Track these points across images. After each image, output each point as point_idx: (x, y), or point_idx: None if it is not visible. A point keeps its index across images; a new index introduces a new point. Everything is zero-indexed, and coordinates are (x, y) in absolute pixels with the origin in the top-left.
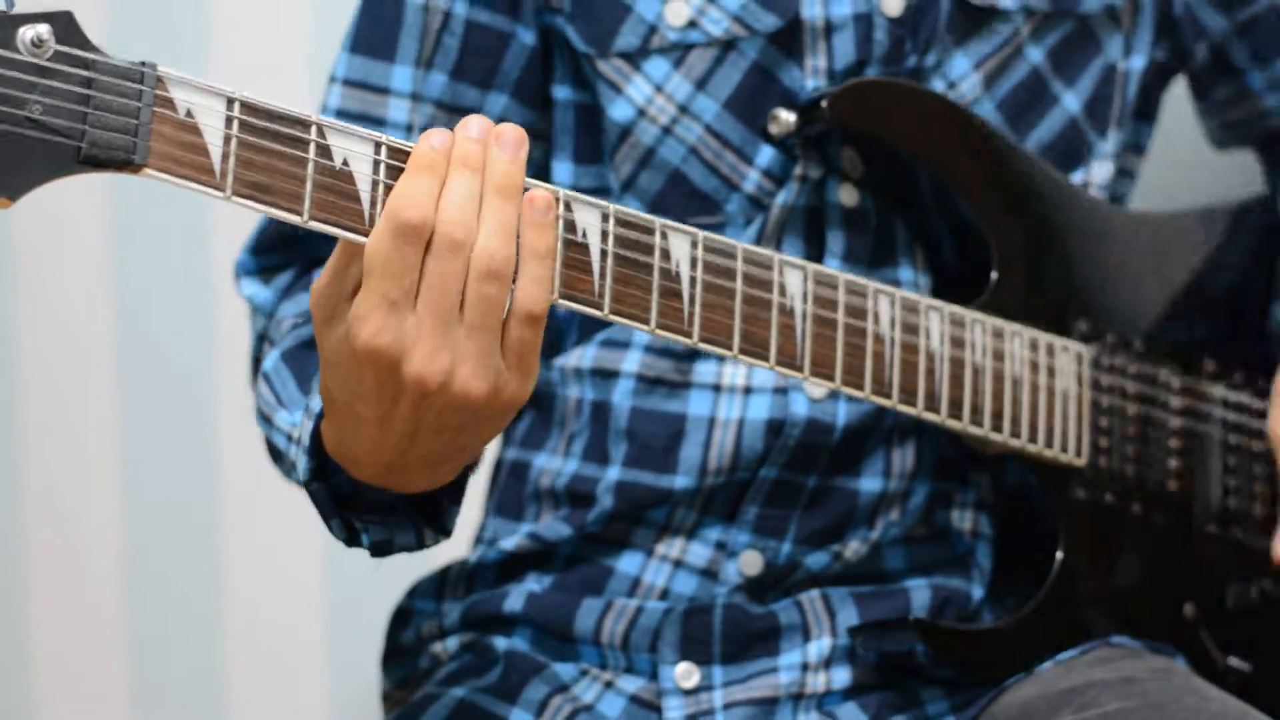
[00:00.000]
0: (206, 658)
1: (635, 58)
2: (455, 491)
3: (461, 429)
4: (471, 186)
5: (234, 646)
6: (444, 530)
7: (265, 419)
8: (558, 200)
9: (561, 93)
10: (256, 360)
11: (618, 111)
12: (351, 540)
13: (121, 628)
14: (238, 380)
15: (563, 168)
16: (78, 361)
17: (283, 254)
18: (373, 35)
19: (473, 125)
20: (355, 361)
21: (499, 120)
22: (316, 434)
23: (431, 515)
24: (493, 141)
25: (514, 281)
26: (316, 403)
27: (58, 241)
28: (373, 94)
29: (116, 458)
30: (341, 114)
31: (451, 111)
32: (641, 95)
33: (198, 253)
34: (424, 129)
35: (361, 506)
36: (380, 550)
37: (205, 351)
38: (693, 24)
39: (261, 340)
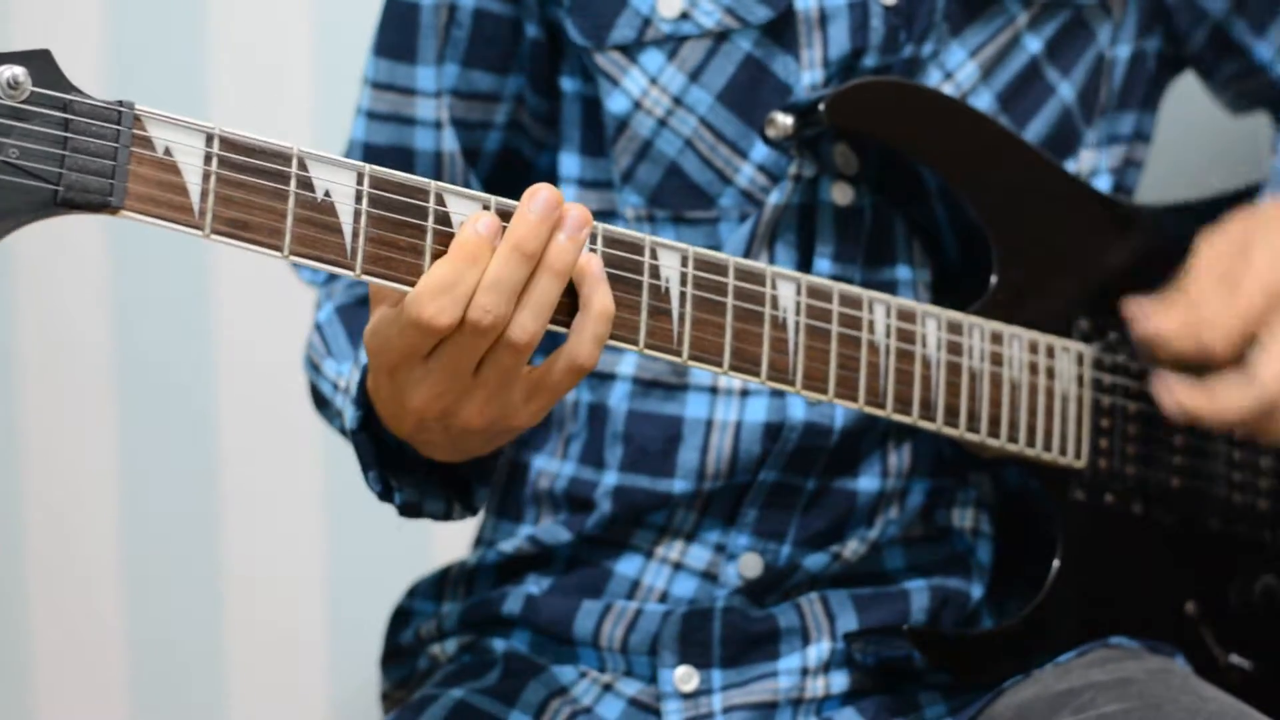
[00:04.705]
0: (206, 658)
1: (631, 50)
2: (484, 474)
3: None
4: (521, 274)
5: (234, 647)
6: (471, 508)
7: (314, 366)
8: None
9: (569, 84)
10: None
11: (615, 104)
12: (384, 495)
13: (121, 628)
14: (237, 383)
15: (569, 159)
16: (76, 366)
17: None
18: (395, 38)
19: (539, 200)
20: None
21: (516, 100)
22: (365, 390)
23: (461, 492)
24: (557, 225)
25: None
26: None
27: (56, 248)
28: (400, 95)
29: (116, 459)
30: (373, 115)
31: (469, 99)
32: (637, 87)
33: (196, 258)
34: (451, 121)
35: (399, 467)
36: (409, 511)
37: (203, 354)
38: (684, 16)
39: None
